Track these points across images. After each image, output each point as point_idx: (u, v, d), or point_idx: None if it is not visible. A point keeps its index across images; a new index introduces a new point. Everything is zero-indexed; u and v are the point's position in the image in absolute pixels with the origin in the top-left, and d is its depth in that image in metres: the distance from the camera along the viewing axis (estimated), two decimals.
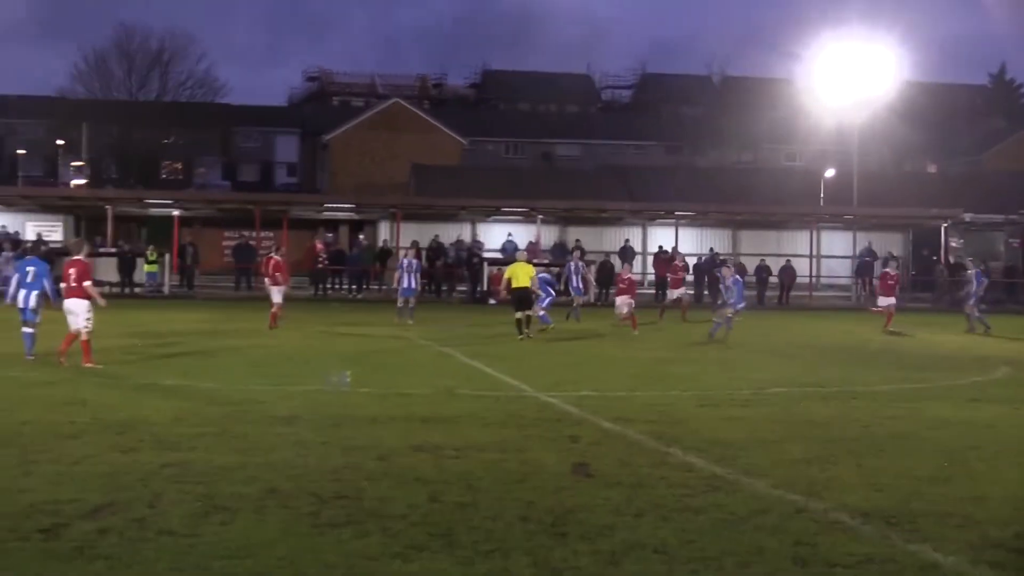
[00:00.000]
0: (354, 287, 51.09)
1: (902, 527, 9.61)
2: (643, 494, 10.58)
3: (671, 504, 10.22)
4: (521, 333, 28.26)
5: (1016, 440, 14.35)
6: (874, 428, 14.97)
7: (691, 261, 49.96)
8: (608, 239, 56.10)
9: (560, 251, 52.48)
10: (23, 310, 21.10)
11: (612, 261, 50.13)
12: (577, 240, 51.49)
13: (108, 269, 47.29)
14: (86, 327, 19.99)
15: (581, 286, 36.34)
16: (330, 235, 56.13)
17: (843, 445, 13.53)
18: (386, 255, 51.94)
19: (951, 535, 9.39)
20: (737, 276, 31.44)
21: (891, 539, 9.26)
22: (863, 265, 54.17)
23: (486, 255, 52.17)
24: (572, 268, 36.54)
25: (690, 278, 47.32)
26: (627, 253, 52.05)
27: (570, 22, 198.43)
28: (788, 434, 14.30)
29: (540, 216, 54.21)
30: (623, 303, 32.61)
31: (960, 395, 18.90)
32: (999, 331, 34.06)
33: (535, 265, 31.96)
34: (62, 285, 20.38)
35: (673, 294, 39.75)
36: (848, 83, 61.88)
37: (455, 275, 51.94)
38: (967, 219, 58.40)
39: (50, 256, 31.40)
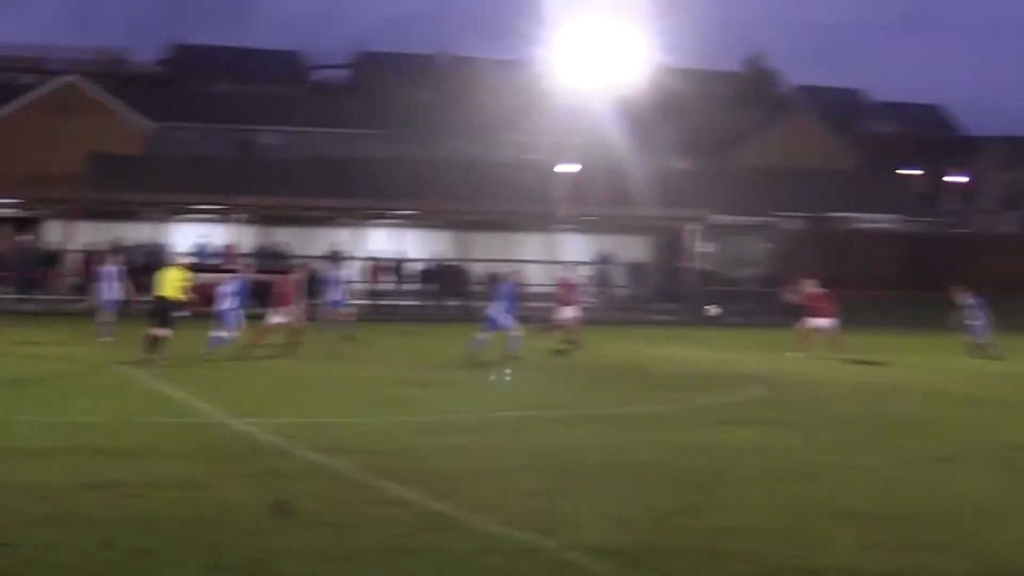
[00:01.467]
0: (21, 295, 49.27)
1: (644, 566, 9.87)
2: (353, 535, 10.57)
3: (384, 546, 10.23)
4: (148, 356, 26.02)
5: (766, 466, 14.92)
6: (613, 456, 15.32)
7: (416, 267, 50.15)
8: (318, 242, 55.64)
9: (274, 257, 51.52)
10: None
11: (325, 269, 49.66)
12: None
13: None
14: None
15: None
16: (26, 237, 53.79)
17: (578, 475, 13.81)
18: (53, 259, 50.32)
19: (696, 573, 9.69)
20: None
21: None
22: (599, 272, 55.29)
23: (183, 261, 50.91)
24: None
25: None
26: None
27: None
28: (518, 464, 14.51)
29: (238, 215, 53.46)
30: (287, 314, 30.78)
31: (707, 417, 19.52)
32: (754, 345, 35.32)
33: (225, 271, 31.21)
34: None
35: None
36: (593, 68, 62.79)
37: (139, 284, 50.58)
38: (718, 221, 60.13)
39: None
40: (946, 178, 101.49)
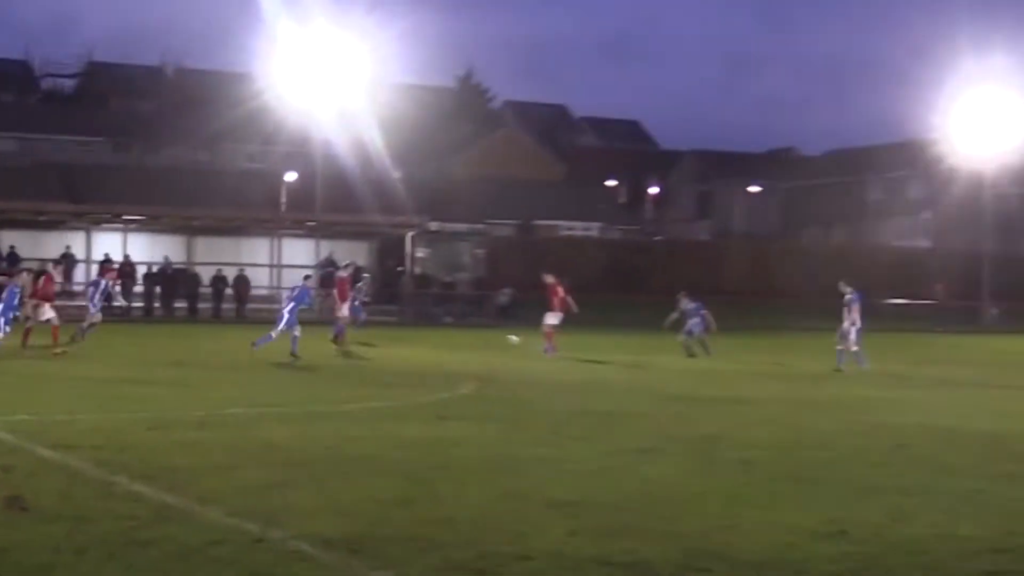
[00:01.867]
0: None
1: (366, 554, 9.86)
2: (86, 528, 10.28)
3: (117, 538, 9.98)
4: None
5: (481, 459, 15.07)
6: (337, 449, 15.28)
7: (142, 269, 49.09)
8: (47, 246, 53.96)
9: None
10: None
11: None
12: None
13: None
14: None
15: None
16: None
17: (304, 469, 13.72)
18: None
19: (415, 559, 9.73)
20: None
21: (354, 567, 9.49)
22: (325, 276, 55.24)
23: None
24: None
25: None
26: (67, 261, 50.30)
27: (27, 3, 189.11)
28: (245, 458, 14.35)
29: None
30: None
31: (427, 413, 19.63)
32: (467, 344, 35.70)
33: None
34: None
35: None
36: (315, 81, 62.74)
37: None
38: (433, 228, 60.69)
39: None
40: (645, 189, 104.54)
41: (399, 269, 58.26)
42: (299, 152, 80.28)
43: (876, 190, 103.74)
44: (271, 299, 55.01)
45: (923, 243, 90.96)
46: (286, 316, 31.14)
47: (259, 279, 54.08)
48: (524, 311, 43.00)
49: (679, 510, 12.08)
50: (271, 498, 11.90)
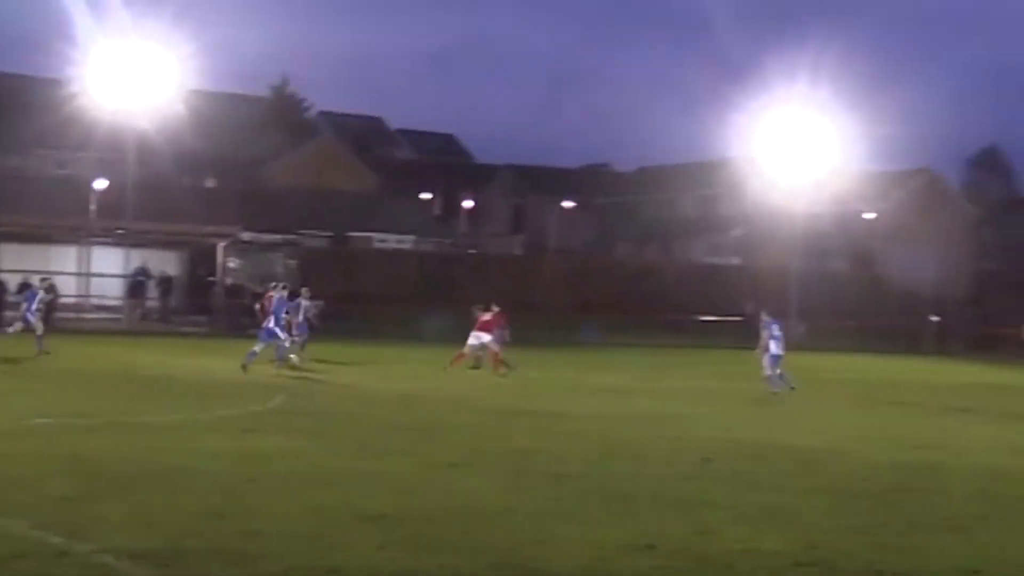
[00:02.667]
0: None
1: (174, 567, 9.77)
2: None
3: None
4: None
5: (292, 472, 14.98)
6: (145, 462, 15.06)
7: None
8: None
9: None
10: None
11: None
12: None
13: None
14: None
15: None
16: None
17: (111, 481, 13.51)
18: None
19: (223, 573, 9.66)
20: None
21: None
22: (136, 285, 54.25)
23: None
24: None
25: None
26: None
27: None
28: (52, 470, 14.06)
29: None
30: None
31: (236, 425, 19.44)
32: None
33: None
34: None
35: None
36: (127, 88, 61.63)
37: None
38: (245, 238, 59.97)
39: None
40: (459, 202, 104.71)
41: (210, 279, 57.43)
42: (111, 159, 78.72)
43: (688, 207, 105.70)
44: (79, 308, 53.82)
45: (733, 260, 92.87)
46: (275, 330, 32.27)
47: (67, 288, 52.76)
48: (335, 324, 42.66)
49: (490, 524, 12.16)
50: (77, 511, 11.71)
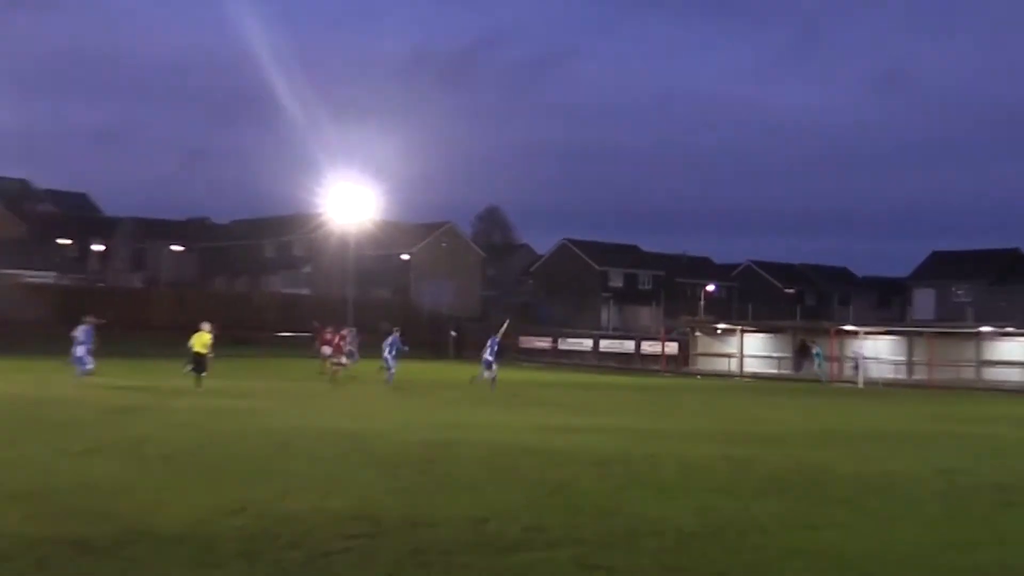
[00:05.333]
0: None
1: None
2: None
3: None
4: None
5: None
6: None
7: None
8: None
9: None
10: None
11: None
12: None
13: None
14: None
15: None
16: None
17: None
18: None
19: None
20: None
21: None
22: None
23: None
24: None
25: None
26: None
27: None
28: None
29: None
30: None
31: None
32: None
33: None
34: None
35: None
36: None
37: None
38: None
39: None
40: (92, 246, 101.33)
41: None
42: None
43: (271, 250, 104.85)
44: None
45: (304, 290, 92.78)
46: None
47: None
48: None
49: (115, 497, 11.68)
50: None
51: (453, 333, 58.03)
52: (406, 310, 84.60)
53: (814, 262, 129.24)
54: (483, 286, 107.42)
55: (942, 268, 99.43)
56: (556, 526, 10.73)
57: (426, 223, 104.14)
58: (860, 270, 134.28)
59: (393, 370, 36.56)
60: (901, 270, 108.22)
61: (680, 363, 63.58)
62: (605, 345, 71.93)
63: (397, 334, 37.48)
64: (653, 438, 20.21)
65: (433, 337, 67.73)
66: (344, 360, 38.23)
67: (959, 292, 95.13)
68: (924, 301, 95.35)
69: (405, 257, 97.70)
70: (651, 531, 10.64)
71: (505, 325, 40.72)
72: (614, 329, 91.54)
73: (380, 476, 13.95)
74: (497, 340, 36.97)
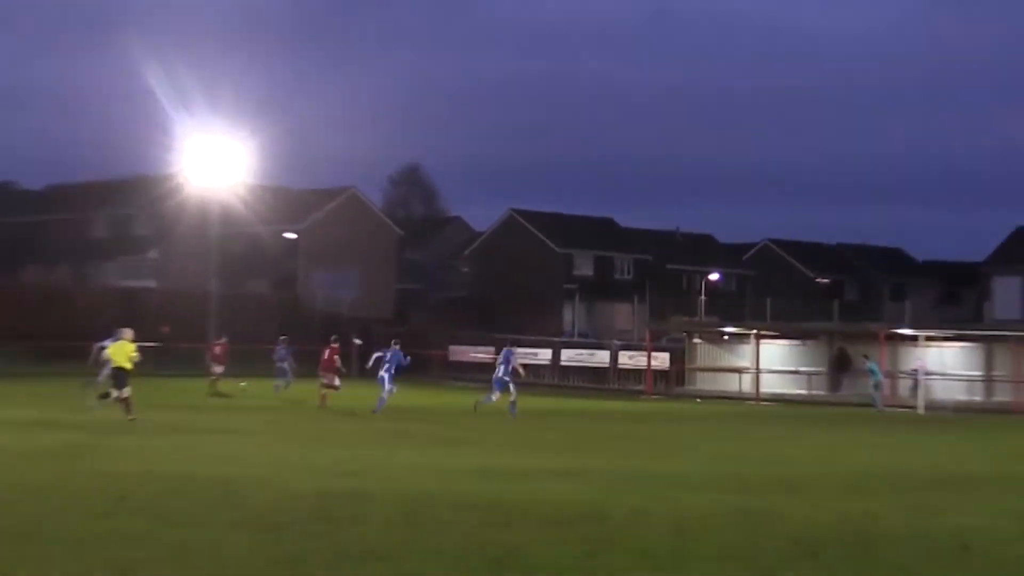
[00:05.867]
0: None
1: None
2: None
3: None
4: None
5: None
6: None
7: None
8: None
9: None
10: None
11: None
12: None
13: None
14: None
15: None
16: None
17: None
18: None
19: None
20: None
21: None
22: None
23: None
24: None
25: None
26: None
27: None
28: None
29: None
30: None
31: None
32: None
33: None
34: None
35: None
36: None
37: None
38: None
39: None
40: None
41: None
42: None
43: (103, 227, 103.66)
44: None
45: (149, 282, 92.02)
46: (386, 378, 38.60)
47: None
48: None
49: None
50: None
51: (358, 341, 57.67)
52: (292, 309, 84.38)
53: (857, 241, 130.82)
54: (400, 275, 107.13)
55: None
56: None
57: (320, 189, 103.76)
58: (920, 252, 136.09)
59: (386, 395, 38.90)
60: (975, 253, 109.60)
61: (672, 381, 64.06)
62: (569, 356, 72.30)
63: (396, 346, 40.04)
64: (636, 486, 20.29)
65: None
66: (337, 382, 42.42)
67: None
68: (1007, 293, 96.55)
69: (291, 236, 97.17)
70: None
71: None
72: (581, 335, 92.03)
73: (256, 542, 13.87)
74: (389, 355, 39.60)
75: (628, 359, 67.65)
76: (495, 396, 40.18)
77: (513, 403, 39.21)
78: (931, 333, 58.66)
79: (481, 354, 74.73)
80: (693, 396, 60.73)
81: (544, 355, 72.78)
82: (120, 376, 31.32)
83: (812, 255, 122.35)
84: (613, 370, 68.31)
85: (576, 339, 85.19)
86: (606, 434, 34.42)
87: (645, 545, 14.24)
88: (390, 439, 29.25)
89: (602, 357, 70.39)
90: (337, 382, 41.78)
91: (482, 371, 71.08)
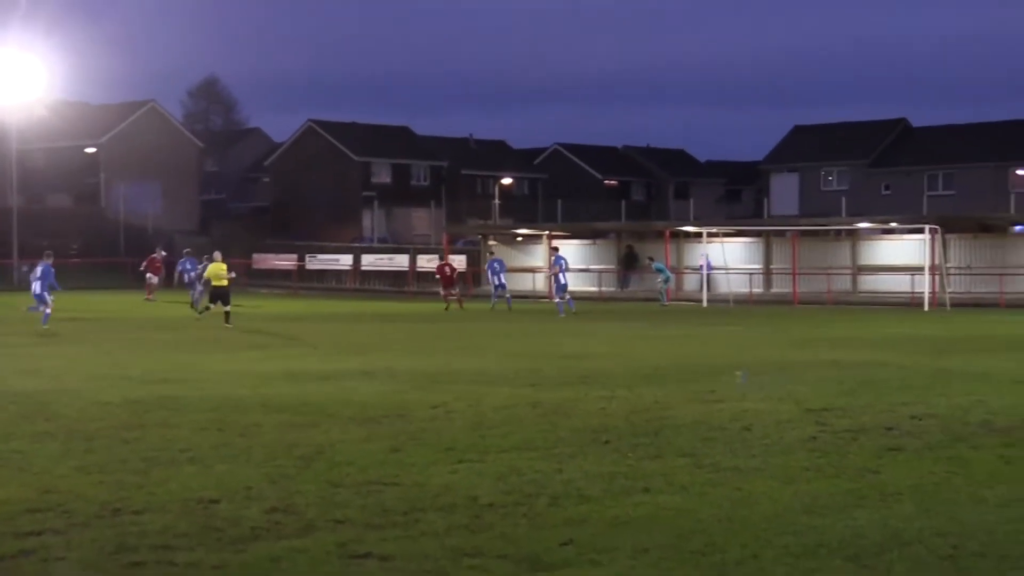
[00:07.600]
0: None
1: None
2: None
3: None
4: None
5: None
6: None
7: None
8: None
9: None
10: None
11: None
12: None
13: None
14: None
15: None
16: None
17: None
18: None
19: None
20: None
21: None
22: None
23: None
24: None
25: None
26: None
27: None
28: None
29: None
30: None
31: None
32: None
33: None
34: None
35: None
36: None
37: None
38: None
39: None
40: None
41: None
42: None
43: None
44: None
45: None
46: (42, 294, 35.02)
47: None
48: None
49: None
50: None
51: (162, 252, 56.87)
52: (95, 222, 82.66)
53: (642, 143, 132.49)
54: (203, 187, 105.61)
55: (807, 147, 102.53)
56: (310, 505, 10.79)
57: (121, 103, 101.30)
58: (703, 153, 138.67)
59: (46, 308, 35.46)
60: (755, 152, 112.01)
61: (470, 283, 64.40)
62: (369, 262, 72.20)
63: (49, 260, 36.67)
64: (437, 383, 20.48)
65: (134, 259, 66.29)
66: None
67: (830, 177, 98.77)
68: (785, 190, 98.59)
69: (91, 150, 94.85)
70: (436, 505, 10.81)
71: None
72: (381, 240, 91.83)
73: (68, 451, 13.69)
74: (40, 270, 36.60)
75: (427, 262, 67.73)
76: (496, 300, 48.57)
77: (509, 298, 48.55)
78: (713, 230, 59.84)
79: (283, 262, 74.23)
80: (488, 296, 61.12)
81: (345, 260, 72.61)
82: (220, 293, 36.37)
83: (600, 158, 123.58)
84: (412, 273, 68.38)
85: (376, 244, 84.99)
86: (408, 335, 34.53)
87: (447, 440, 14.41)
88: (201, 347, 28.96)
89: (401, 261, 70.41)
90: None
91: (284, 278, 70.66)
